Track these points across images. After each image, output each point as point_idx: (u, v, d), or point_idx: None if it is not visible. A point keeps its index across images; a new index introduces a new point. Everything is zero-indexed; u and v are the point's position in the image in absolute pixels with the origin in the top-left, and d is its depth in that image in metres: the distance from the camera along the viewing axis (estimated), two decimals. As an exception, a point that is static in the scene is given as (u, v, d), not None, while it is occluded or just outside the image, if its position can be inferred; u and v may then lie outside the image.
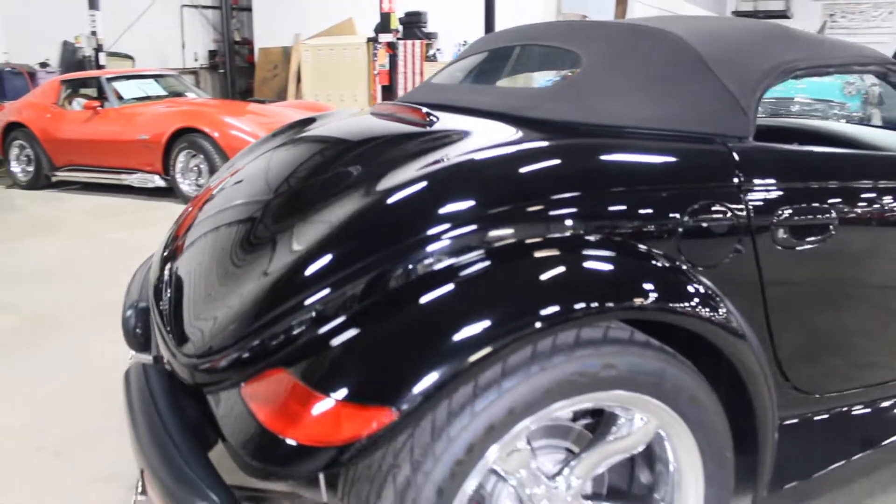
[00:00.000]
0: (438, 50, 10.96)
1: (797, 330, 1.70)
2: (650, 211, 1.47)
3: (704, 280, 1.47)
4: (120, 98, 7.77)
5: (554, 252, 1.36)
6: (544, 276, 1.31)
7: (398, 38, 11.08)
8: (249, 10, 13.89)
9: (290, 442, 1.21)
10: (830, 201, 1.66)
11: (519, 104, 1.84)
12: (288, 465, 1.22)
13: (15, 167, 8.04)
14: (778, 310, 1.64)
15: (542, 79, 3.00)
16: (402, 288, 1.32)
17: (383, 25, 8.12)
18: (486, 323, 1.24)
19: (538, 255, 1.35)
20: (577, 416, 1.51)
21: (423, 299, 1.29)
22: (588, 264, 1.36)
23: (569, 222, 1.41)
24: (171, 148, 6.91)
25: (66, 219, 6.53)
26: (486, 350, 1.21)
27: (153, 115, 7.22)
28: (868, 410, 1.90)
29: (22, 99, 8.33)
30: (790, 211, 1.60)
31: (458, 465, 1.24)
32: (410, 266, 1.34)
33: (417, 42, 10.99)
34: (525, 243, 1.36)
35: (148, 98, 7.95)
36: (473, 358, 1.21)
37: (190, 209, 2.20)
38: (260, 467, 1.25)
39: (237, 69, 14.26)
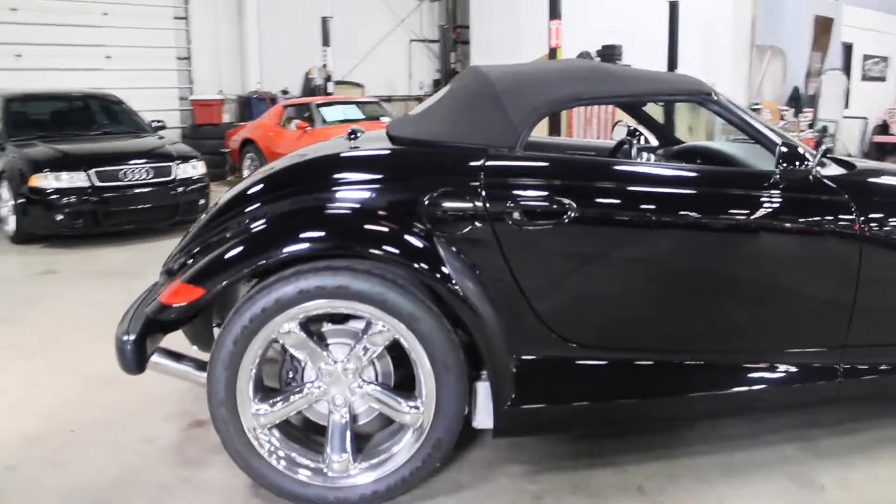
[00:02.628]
0: (629, 79, 11.53)
1: (550, 290, 2.41)
2: (409, 192, 2.34)
3: (440, 246, 2.28)
4: (324, 121, 9.60)
5: (325, 210, 2.31)
6: (307, 223, 2.27)
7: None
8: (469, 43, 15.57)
9: (163, 304, 2.30)
10: (568, 194, 2.37)
11: (401, 126, 2.75)
12: (162, 316, 2.30)
13: (245, 175, 10.29)
14: (526, 273, 2.37)
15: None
16: (244, 223, 2.36)
17: (550, 59, 9.04)
18: (268, 248, 2.23)
19: (318, 212, 2.31)
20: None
21: (248, 230, 2.33)
22: (348, 220, 2.29)
23: (353, 194, 2.34)
24: (352, 163, 8.48)
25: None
26: (262, 263, 2.20)
27: (343, 135, 8.89)
28: (634, 365, 2.49)
29: (255, 120, 10.60)
30: (524, 199, 2.34)
31: (244, 328, 2.23)
32: (255, 212, 2.37)
33: (610, 72, 11.71)
34: (315, 205, 2.33)
35: (347, 121, 9.69)
36: (255, 267, 2.20)
37: None
38: (158, 321, 2.35)
39: (457, 97, 15.96)
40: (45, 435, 2.94)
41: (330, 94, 12.69)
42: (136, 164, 6.87)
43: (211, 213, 2.56)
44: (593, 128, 12.06)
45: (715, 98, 2.62)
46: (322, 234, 2.26)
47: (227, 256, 2.27)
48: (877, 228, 2.59)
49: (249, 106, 12.17)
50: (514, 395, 2.38)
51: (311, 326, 2.37)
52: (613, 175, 2.48)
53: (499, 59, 14.04)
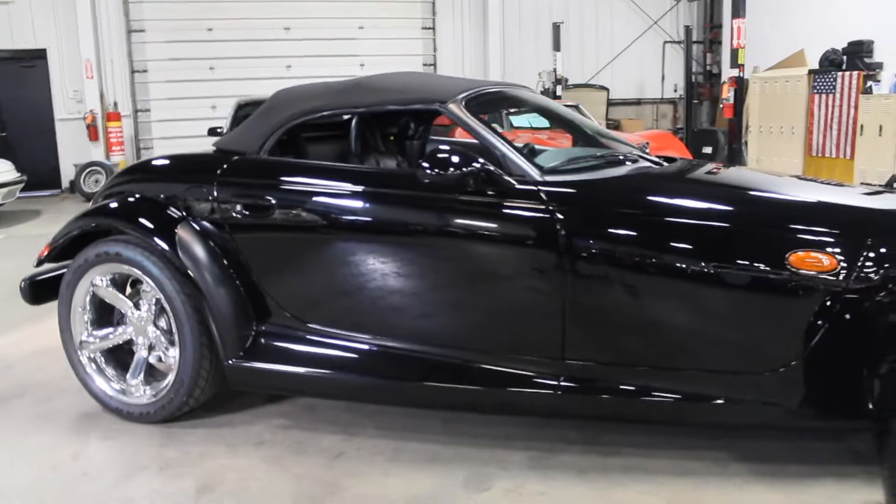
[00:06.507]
0: (876, 82, 10.15)
1: (274, 271, 2.98)
2: (172, 187, 3.12)
3: (184, 230, 2.98)
4: (512, 126, 10.24)
5: (115, 199, 3.18)
6: (101, 208, 3.16)
7: (843, 69, 10.76)
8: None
9: (38, 258, 3.37)
10: (272, 191, 2.93)
11: (223, 137, 3.49)
12: (39, 266, 3.37)
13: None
14: (253, 256, 2.98)
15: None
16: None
17: (732, 60, 8.52)
18: (78, 221, 3.17)
19: (114, 199, 3.19)
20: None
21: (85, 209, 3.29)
22: (129, 206, 3.12)
23: (140, 187, 3.22)
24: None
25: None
26: (76, 234, 3.15)
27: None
28: (344, 345, 2.92)
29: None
30: (243, 195, 2.96)
31: (69, 278, 3.20)
32: (98, 196, 3.33)
33: (855, 73, 10.44)
34: (113, 193, 3.22)
35: (532, 128, 10.21)
36: (70, 234, 3.16)
37: None
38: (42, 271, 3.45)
39: (715, 100, 15.28)
40: (47, 351, 4.21)
41: (559, 97, 13.21)
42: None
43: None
44: (833, 132, 10.88)
45: (448, 107, 2.89)
46: (109, 215, 3.14)
47: (65, 225, 3.27)
48: (586, 241, 2.61)
49: (476, 108, 13.24)
50: (241, 355, 2.98)
51: (137, 285, 3.26)
52: (303, 173, 2.99)
53: (749, 60, 13.24)
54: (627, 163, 3.06)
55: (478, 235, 2.73)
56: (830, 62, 11.00)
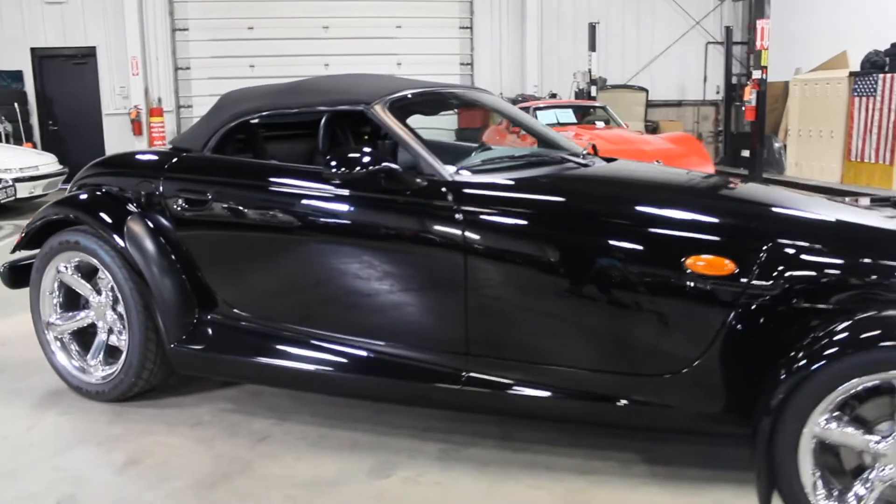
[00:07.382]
0: (919, 86, 9.81)
1: (213, 263, 3.18)
2: (127, 182, 3.36)
3: (135, 223, 3.20)
4: (535, 124, 10.30)
5: (80, 193, 3.42)
6: (68, 200, 3.41)
7: (886, 71, 10.46)
8: (775, 42, 14.40)
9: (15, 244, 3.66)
10: (209, 186, 3.13)
11: (179, 135, 3.72)
12: (13, 253, 3.66)
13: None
14: (195, 249, 3.18)
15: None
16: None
17: (755, 62, 8.37)
18: (44, 212, 3.43)
19: (80, 193, 3.43)
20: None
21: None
22: (90, 200, 3.37)
23: (100, 180, 3.45)
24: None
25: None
26: (46, 221, 3.42)
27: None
28: (275, 333, 3.09)
29: (494, 125, 11.72)
30: (185, 190, 3.16)
31: (38, 265, 3.47)
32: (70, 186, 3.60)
33: (896, 76, 10.13)
34: (80, 186, 3.46)
35: (559, 124, 10.24)
36: (47, 222, 3.43)
37: None
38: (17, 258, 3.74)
39: (761, 102, 14.96)
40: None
41: (593, 97, 13.17)
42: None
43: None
44: (873, 136, 10.57)
45: (372, 109, 3.00)
46: (72, 206, 3.39)
47: (36, 214, 3.54)
48: (485, 239, 2.71)
49: (513, 108, 13.30)
50: (183, 340, 3.19)
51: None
52: (234, 170, 3.18)
53: (792, 61, 12.97)
54: (550, 164, 3.14)
55: (386, 232, 2.86)
56: (872, 64, 10.67)
